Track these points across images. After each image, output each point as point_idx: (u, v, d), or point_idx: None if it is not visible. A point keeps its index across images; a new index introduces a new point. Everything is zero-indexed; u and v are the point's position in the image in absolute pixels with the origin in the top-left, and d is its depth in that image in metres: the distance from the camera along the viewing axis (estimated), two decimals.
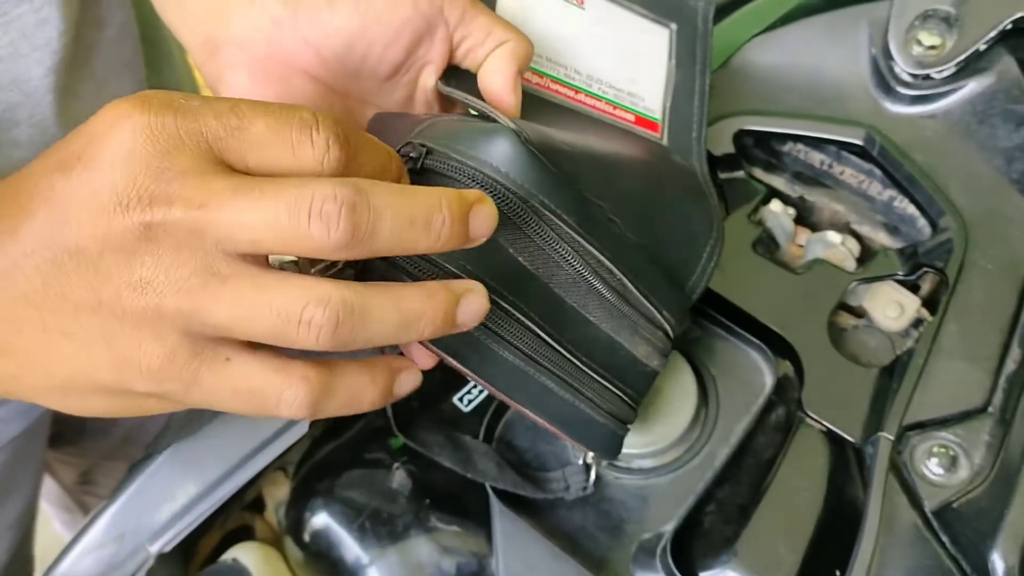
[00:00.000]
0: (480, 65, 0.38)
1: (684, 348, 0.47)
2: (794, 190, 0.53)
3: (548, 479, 0.45)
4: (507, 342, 0.34)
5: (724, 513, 0.43)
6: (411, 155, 0.33)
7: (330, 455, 0.49)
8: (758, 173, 0.53)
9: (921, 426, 0.41)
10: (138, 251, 0.27)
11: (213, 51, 0.38)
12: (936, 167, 0.48)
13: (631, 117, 0.44)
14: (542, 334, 0.35)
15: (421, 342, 0.33)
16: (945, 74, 0.50)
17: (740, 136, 0.52)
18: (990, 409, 0.41)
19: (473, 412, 0.48)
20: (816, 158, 0.52)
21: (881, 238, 0.50)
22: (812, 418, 0.44)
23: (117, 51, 0.49)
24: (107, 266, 0.27)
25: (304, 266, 0.32)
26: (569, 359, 0.36)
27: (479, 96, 0.38)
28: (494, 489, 0.43)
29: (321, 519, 0.47)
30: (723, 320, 0.48)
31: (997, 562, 0.37)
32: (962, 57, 0.49)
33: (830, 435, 0.43)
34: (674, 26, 0.47)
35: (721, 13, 0.55)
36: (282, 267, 0.31)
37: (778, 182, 0.53)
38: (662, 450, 0.44)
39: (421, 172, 0.33)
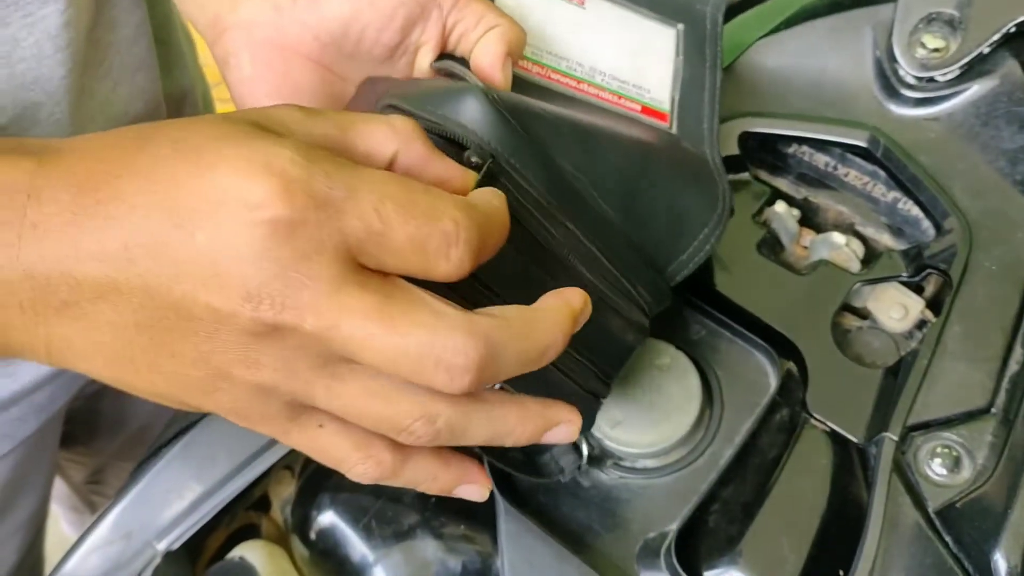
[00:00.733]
0: (472, 51, 0.39)
1: (688, 348, 0.47)
2: (799, 192, 0.53)
3: (540, 463, 0.45)
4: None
5: (728, 513, 0.43)
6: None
7: None
8: (763, 175, 0.53)
9: (925, 427, 0.41)
10: (259, 340, 0.26)
11: (220, 33, 0.39)
12: (940, 169, 0.48)
13: (637, 107, 0.44)
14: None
15: None
16: (949, 77, 0.50)
17: (745, 138, 0.52)
18: (993, 410, 0.41)
19: None
20: (821, 160, 0.52)
21: (885, 240, 0.51)
22: (816, 419, 0.44)
23: (131, 52, 0.49)
24: (222, 341, 0.26)
25: None
26: None
27: None
28: (499, 488, 0.43)
29: (327, 517, 0.47)
30: (727, 321, 0.48)
31: (1000, 562, 0.37)
32: (966, 60, 0.49)
33: (834, 435, 0.43)
34: (681, 26, 0.47)
35: (725, 16, 0.55)
36: None
37: (782, 184, 0.53)
38: (666, 450, 0.44)
39: None
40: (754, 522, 0.41)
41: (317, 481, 0.49)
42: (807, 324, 0.46)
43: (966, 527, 0.38)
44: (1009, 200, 0.47)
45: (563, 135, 0.36)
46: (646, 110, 0.44)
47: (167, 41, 0.53)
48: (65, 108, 0.44)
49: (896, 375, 0.44)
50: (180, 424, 0.48)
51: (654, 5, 0.47)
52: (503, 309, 0.29)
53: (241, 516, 0.50)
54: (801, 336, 0.46)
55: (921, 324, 0.46)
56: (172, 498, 0.47)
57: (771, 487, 0.42)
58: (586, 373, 0.37)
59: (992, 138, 0.49)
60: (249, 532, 0.50)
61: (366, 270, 0.26)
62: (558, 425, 0.32)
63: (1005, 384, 0.42)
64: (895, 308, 0.47)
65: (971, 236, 0.46)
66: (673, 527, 0.42)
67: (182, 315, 0.26)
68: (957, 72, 0.50)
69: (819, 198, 0.52)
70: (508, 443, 0.31)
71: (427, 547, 0.45)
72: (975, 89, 0.50)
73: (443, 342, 0.26)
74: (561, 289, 0.32)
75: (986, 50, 0.49)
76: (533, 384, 0.34)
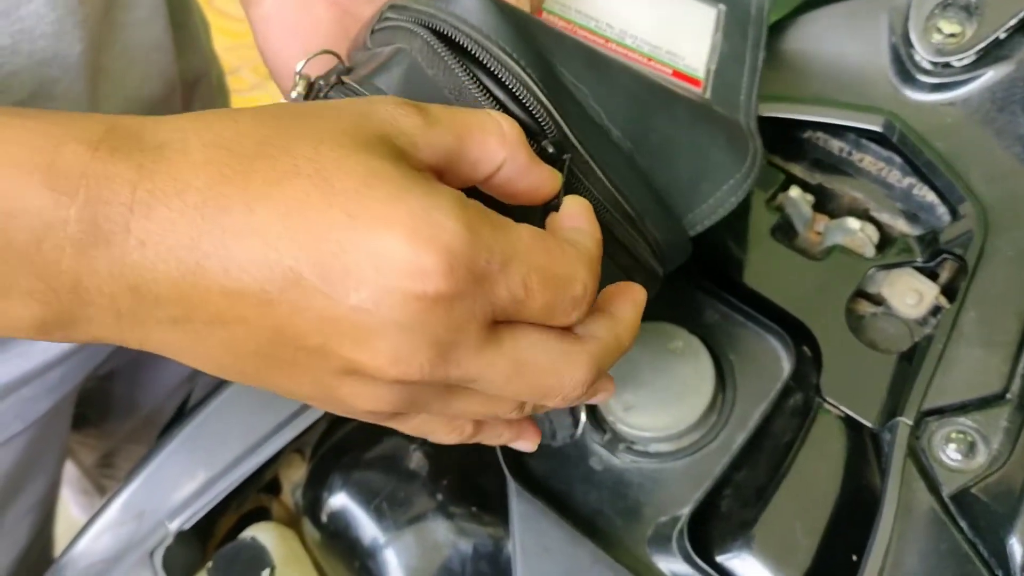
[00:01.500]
0: None
1: (702, 332, 0.47)
2: (813, 177, 0.53)
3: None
4: None
5: (741, 497, 0.43)
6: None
7: (348, 436, 0.49)
8: (777, 160, 0.53)
9: (939, 412, 0.41)
10: (392, 387, 0.27)
11: None
12: (956, 154, 0.48)
13: (668, 71, 0.42)
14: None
15: None
16: (965, 62, 0.49)
17: (760, 123, 0.52)
18: (1008, 395, 0.41)
19: None
20: (835, 145, 0.52)
21: (900, 225, 0.50)
22: (830, 403, 0.44)
23: (147, 32, 0.49)
24: (352, 383, 0.27)
25: None
26: None
27: None
28: (511, 471, 0.43)
29: (339, 499, 0.47)
30: (741, 305, 0.48)
31: (1016, 547, 0.37)
32: (982, 45, 0.49)
33: (848, 420, 0.43)
34: (722, 7, 0.46)
35: None
36: None
37: (797, 169, 0.53)
38: (680, 434, 0.44)
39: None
40: (767, 507, 0.41)
41: (328, 463, 0.49)
42: (821, 309, 0.46)
43: (981, 512, 0.38)
44: None
45: (567, 47, 0.35)
46: (677, 74, 0.42)
47: (183, 24, 0.53)
48: (82, 85, 0.44)
49: (910, 361, 0.44)
50: (197, 398, 0.48)
51: None
52: (597, 327, 0.30)
53: (252, 498, 0.51)
54: (815, 321, 0.45)
55: (936, 310, 0.46)
56: (184, 479, 0.47)
57: (784, 472, 0.42)
58: None
59: (1008, 123, 0.48)
60: (260, 514, 0.51)
61: (499, 324, 0.27)
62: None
63: (1020, 370, 0.42)
64: (910, 294, 0.46)
65: (987, 221, 0.45)
66: (685, 511, 0.42)
67: (315, 357, 0.26)
68: (973, 57, 0.49)
69: (834, 184, 0.52)
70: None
71: (438, 529, 0.45)
72: (991, 74, 0.49)
73: (566, 382, 0.28)
74: (626, 289, 0.32)
75: (1002, 35, 0.49)
76: None
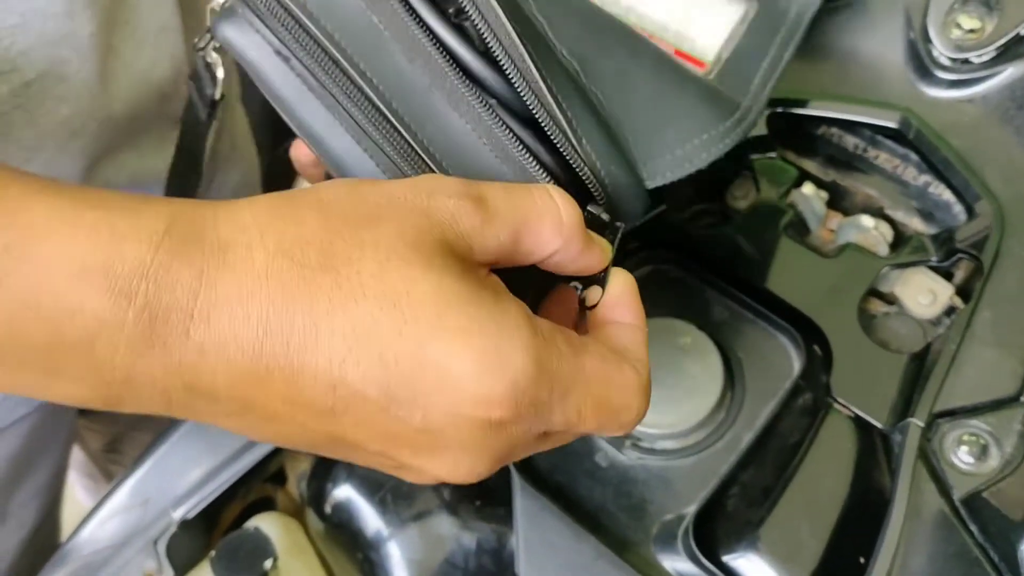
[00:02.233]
0: None
1: (711, 329, 0.46)
2: (827, 174, 0.52)
3: None
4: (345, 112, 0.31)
5: (748, 497, 0.43)
6: None
7: None
8: (790, 156, 0.52)
9: (951, 414, 0.40)
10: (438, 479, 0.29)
11: None
12: (973, 152, 0.47)
13: (670, 49, 0.40)
14: (383, 108, 0.31)
15: None
16: (984, 58, 0.49)
17: (773, 118, 0.51)
18: (1022, 398, 0.40)
19: None
20: (850, 142, 0.51)
21: (915, 224, 0.50)
22: (840, 403, 0.43)
23: (157, 13, 0.49)
24: (399, 471, 0.29)
25: None
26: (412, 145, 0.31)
27: None
28: (515, 466, 0.43)
29: (343, 491, 0.47)
30: (751, 302, 0.47)
31: None
32: (1002, 41, 0.48)
33: (858, 421, 0.43)
34: (754, 5, 0.44)
35: None
36: None
37: (811, 165, 0.52)
38: (686, 431, 0.44)
39: None
40: (774, 507, 0.41)
41: None
42: (833, 308, 0.45)
43: (992, 517, 0.38)
44: None
45: None
46: (680, 53, 0.41)
47: (192, 8, 0.53)
48: (92, 66, 0.44)
49: (923, 361, 0.43)
50: None
51: None
52: (637, 360, 0.30)
53: (257, 488, 0.50)
54: (826, 320, 0.45)
55: (950, 311, 0.46)
56: (189, 467, 0.47)
57: (792, 471, 0.42)
58: None
59: None
60: (265, 504, 0.50)
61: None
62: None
63: None
64: (923, 293, 0.46)
65: (1004, 221, 0.45)
66: (691, 510, 0.42)
67: (373, 456, 0.28)
68: (993, 54, 0.48)
69: (848, 181, 0.51)
70: None
71: (442, 523, 0.45)
72: (1011, 71, 0.48)
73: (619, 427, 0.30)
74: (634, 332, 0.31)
75: (1023, 31, 0.48)
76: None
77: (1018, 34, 0.48)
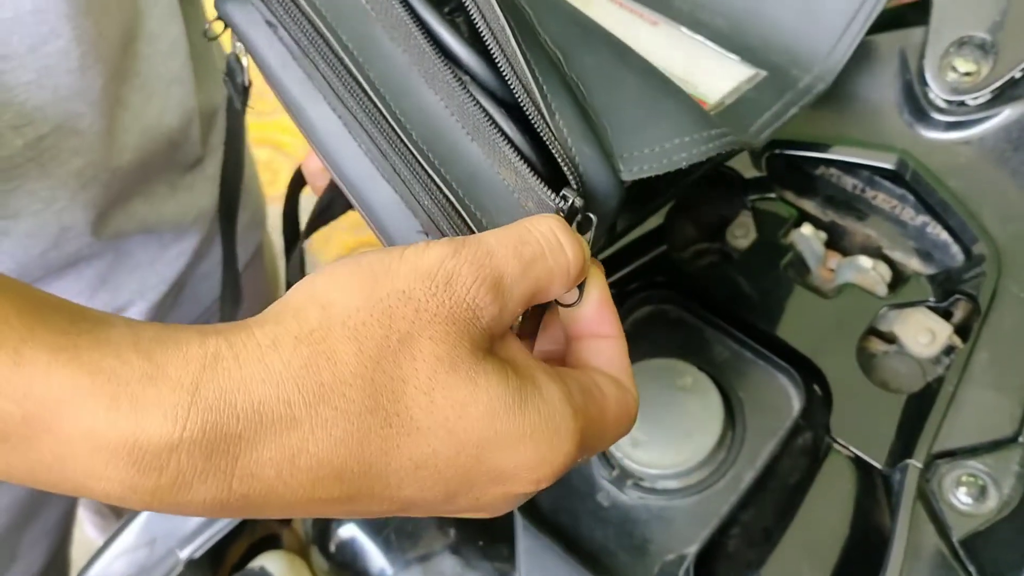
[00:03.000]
0: None
1: (711, 369, 0.47)
2: (826, 214, 0.53)
3: None
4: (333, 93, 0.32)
5: (749, 536, 0.43)
6: None
7: None
8: (789, 196, 0.53)
9: (950, 454, 0.41)
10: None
11: None
12: (970, 194, 0.48)
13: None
14: (361, 78, 0.31)
15: None
16: (980, 101, 0.49)
17: (772, 159, 0.52)
18: (1020, 439, 0.40)
19: None
20: (848, 182, 0.52)
21: (913, 264, 0.50)
22: (840, 443, 0.43)
23: (167, 64, 0.50)
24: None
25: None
26: (393, 127, 0.31)
27: None
28: (518, 507, 0.43)
29: (347, 530, 0.47)
30: (751, 342, 0.48)
31: None
32: (998, 84, 0.49)
33: (858, 461, 0.43)
34: (764, 72, 0.45)
35: None
36: None
37: (809, 206, 0.53)
38: (687, 471, 0.44)
39: None
40: (775, 547, 0.41)
41: None
42: (832, 348, 0.46)
43: (990, 557, 0.38)
44: None
45: None
46: None
47: (202, 55, 0.54)
48: (103, 119, 0.45)
49: (922, 401, 0.44)
50: None
51: (741, 52, 0.45)
52: (629, 377, 0.32)
53: (263, 526, 0.51)
54: (826, 360, 0.45)
55: (949, 350, 0.46)
56: None
57: (793, 512, 0.42)
58: (444, 205, 0.31)
59: (1023, 163, 0.48)
60: (270, 542, 0.51)
61: None
62: None
63: None
64: (923, 333, 0.46)
65: (1000, 261, 0.45)
66: (692, 550, 0.42)
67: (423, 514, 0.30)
68: (988, 96, 0.49)
69: (846, 221, 0.52)
70: None
71: (446, 562, 0.45)
72: (1007, 113, 0.49)
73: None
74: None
75: (1018, 74, 0.48)
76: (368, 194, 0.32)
77: (1013, 77, 0.49)
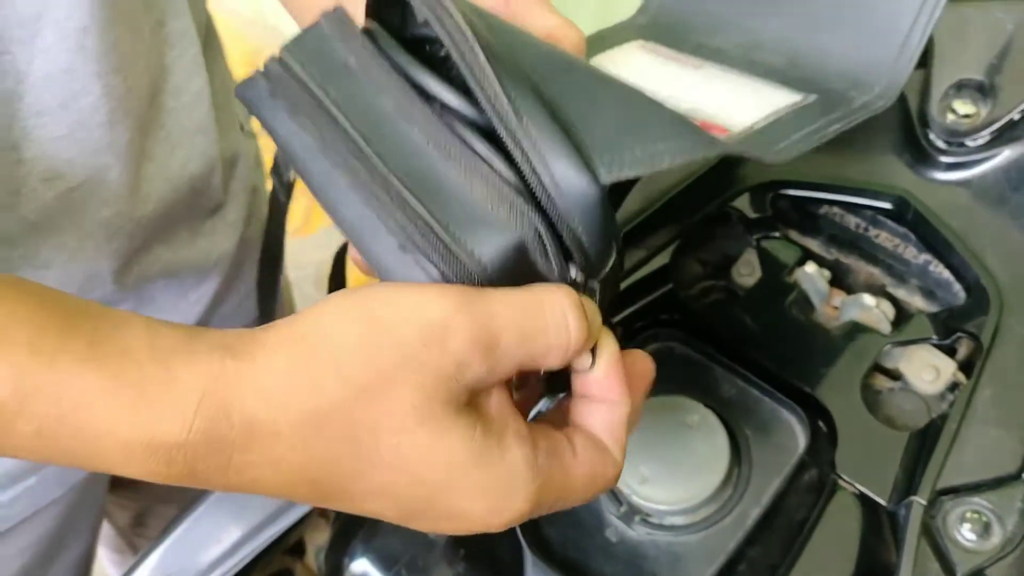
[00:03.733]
0: None
1: (717, 407, 0.47)
2: (829, 252, 0.53)
3: None
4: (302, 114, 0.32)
5: (755, 573, 0.43)
6: None
7: None
8: (794, 235, 0.54)
9: (954, 491, 0.41)
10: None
11: None
12: (971, 233, 0.49)
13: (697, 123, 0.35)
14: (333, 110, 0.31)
15: None
16: (980, 142, 0.50)
17: (777, 199, 0.53)
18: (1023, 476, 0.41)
19: None
20: (851, 221, 0.53)
21: (917, 302, 0.51)
22: (845, 480, 0.44)
23: (191, 116, 0.52)
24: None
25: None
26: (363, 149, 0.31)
27: None
28: (527, 541, 0.44)
29: (360, 565, 0.48)
30: (756, 380, 0.48)
31: None
32: (997, 126, 0.50)
33: (862, 498, 0.43)
34: (814, 96, 0.43)
35: None
36: None
37: (813, 244, 0.54)
38: (694, 508, 0.44)
39: None
40: None
41: (350, 528, 0.50)
42: (837, 385, 0.46)
43: None
44: None
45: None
46: (704, 124, 0.38)
47: (224, 105, 0.56)
48: (129, 171, 0.47)
49: (926, 438, 0.44)
50: None
51: (796, 84, 0.44)
52: (618, 442, 0.33)
53: (277, 560, 0.52)
54: (831, 397, 0.46)
55: (954, 386, 0.46)
56: (210, 542, 0.48)
57: (799, 548, 0.42)
58: (419, 224, 0.30)
59: (1023, 203, 0.49)
60: None
61: None
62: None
63: None
64: (927, 370, 0.47)
65: (1002, 300, 0.46)
66: None
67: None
68: (988, 137, 0.50)
69: (850, 259, 0.53)
70: None
71: None
72: (1006, 154, 0.50)
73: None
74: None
75: (1016, 116, 0.50)
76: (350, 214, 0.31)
77: (1012, 119, 0.50)
